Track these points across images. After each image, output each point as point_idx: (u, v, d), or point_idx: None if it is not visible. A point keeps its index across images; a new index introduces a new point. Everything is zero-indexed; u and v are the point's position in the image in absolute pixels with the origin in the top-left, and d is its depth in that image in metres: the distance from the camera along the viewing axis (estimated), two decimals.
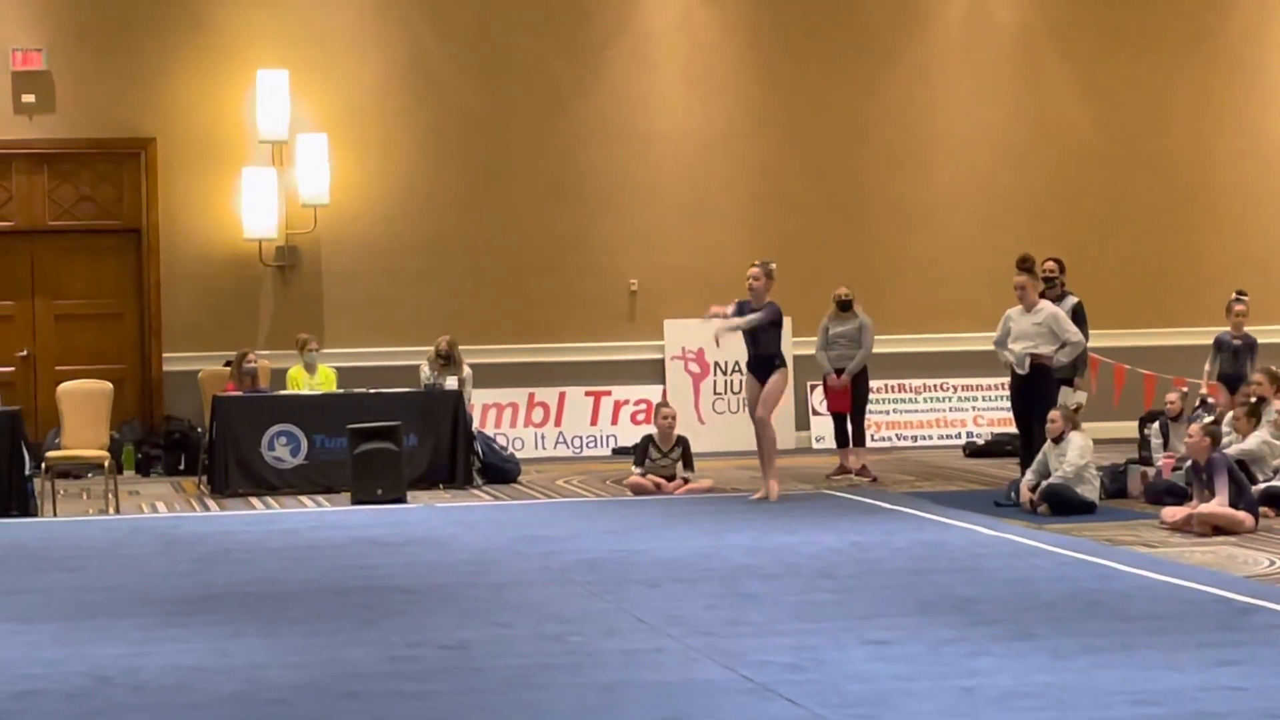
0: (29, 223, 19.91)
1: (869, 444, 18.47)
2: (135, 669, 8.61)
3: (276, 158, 19.93)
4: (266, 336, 19.75)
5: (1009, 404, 16.20)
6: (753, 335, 15.70)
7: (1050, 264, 16.41)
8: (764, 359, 15.72)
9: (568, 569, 11.60)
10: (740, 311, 15.80)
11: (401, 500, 15.97)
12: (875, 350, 17.88)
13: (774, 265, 15.89)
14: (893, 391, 20.78)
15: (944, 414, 21.15)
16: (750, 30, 21.18)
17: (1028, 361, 14.96)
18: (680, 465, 16.68)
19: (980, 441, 20.00)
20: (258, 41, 20.00)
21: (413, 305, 20.20)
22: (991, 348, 15.89)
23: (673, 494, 16.23)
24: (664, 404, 17.47)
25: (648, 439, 17.01)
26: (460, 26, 20.51)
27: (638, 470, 16.71)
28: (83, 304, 20.12)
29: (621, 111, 20.84)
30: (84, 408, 17.60)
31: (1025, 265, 15.53)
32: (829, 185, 21.17)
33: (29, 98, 19.71)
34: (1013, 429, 16.74)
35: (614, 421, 20.42)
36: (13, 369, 19.08)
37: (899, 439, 20.92)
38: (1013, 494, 14.65)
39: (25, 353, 19.66)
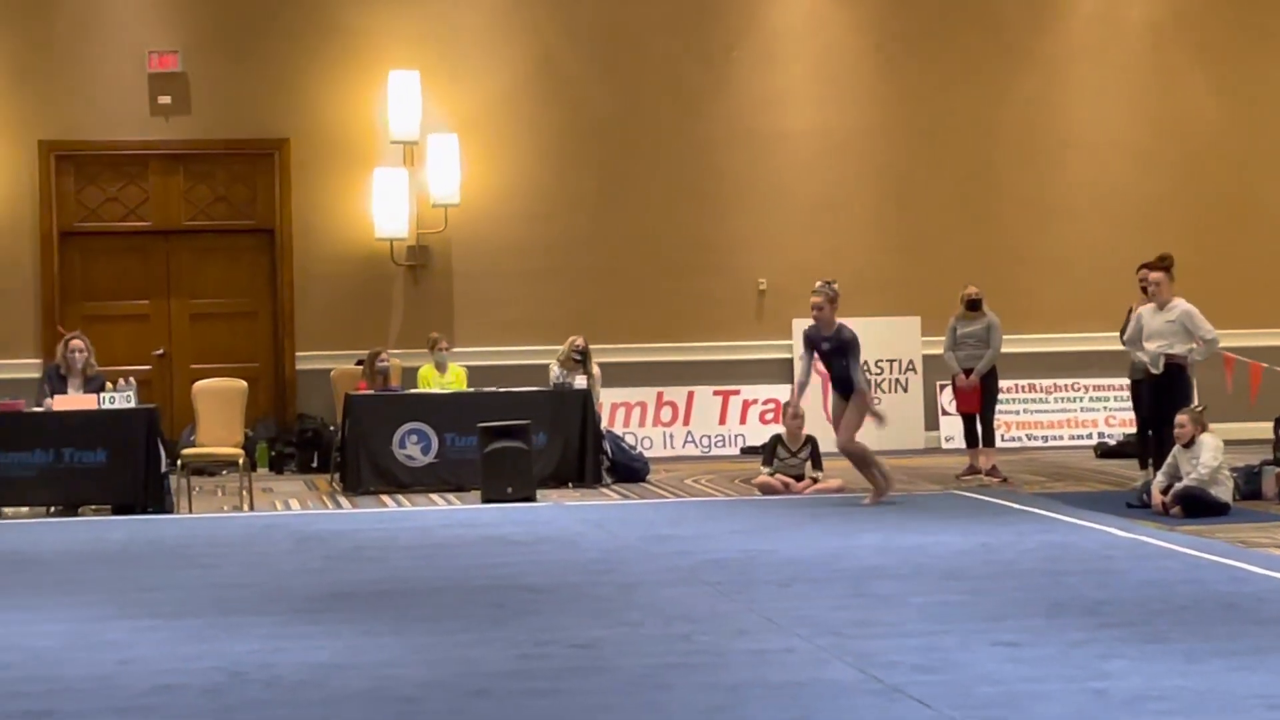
0: (165, 223, 20.14)
1: (999, 444, 18.35)
2: (269, 665, 8.68)
3: (408, 158, 20.05)
4: (397, 335, 19.87)
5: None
6: (827, 361, 15.33)
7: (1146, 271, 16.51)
8: (841, 383, 15.35)
9: (696, 568, 11.59)
10: (810, 342, 15.42)
11: (531, 499, 16.02)
12: (1004, 350, 17.77)
13: (836, 285, 15.33)
14: (1023, 391, 20.64)
15: (1075, 414, 20.99)
16: (879, 29, 21.10)
17: (1162, 361, 14.83)
18: (809, 465, 16.65)
19: (1112, 442, 19.83)
20: (389, 43, 20.13)
21: (542, 304, 20.26)
22: (1122, 347, 15.76)
23: (801, 494, 16.20)
24: (793, 403, 17.40)
25: (776, 439, 16.98)
26: (589, 27, 20.56)
27: (766, 470, 16.70)
28: (217, 303, 20.32)
29: (750, 111, 20.82)
30: (219, 406, 17.79)
31: (1163, 263, 15.40)
32: (958, 184, 21.06)
33: (165, 99, 19.92)
34: None
35: (742, 421, 20.40)
36: (149, 367, 19.30)
37: (1029, 439, 20.78)
38: (1144, 496, 14.50)
39: (161, 351, 19.88)
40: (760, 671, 8.33)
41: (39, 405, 16.35)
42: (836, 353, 15.06)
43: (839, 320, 15.16)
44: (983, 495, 15.85)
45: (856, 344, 15.11)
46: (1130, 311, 16.03)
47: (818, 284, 15.27)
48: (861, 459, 15.33)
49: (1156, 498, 14.05)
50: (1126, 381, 17.04)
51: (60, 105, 19.79)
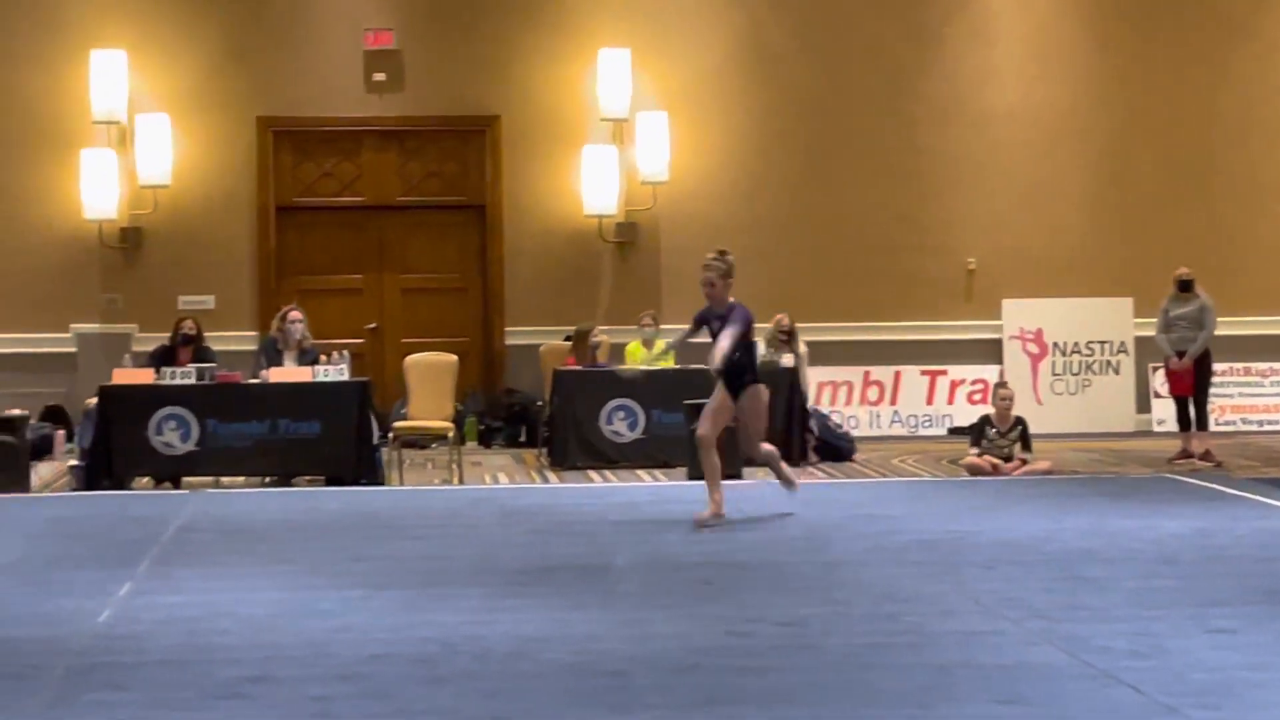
0: (378, 198, 20.37)
1: (1212, 428, 18.07)
2: (478, 636, 8.76)
3: (617, 135, 20.11)
4: (605, 311, 19.91)
5: None
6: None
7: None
8: (733, 372, 12.84)
9: (903, 548, 11.53)
10: (699, 321, 13.15)
11: (737, 476, 15.99)
12: (1219, 332, 17.51)
13: (731, 256, 13.10)
14: (1237, 374, 20.30)
15: None
16: (1091, 4, 20.82)
17: None
18: (1018, 446, 16.50)
19: None
20: (600, 20, 20.19)
21: (748, 283, 20.04)
22: None
23: (1010, 475, 16.06)
24: (1002, 384, 17.31)
25: (985, 419, 16.86)
26: (798, 5, 20.50)
27: (974, 451, 16.58)
28: (428, 278, 20.50)
29: (960, 90, 20.65)
30: (430, 380, 17.99)
31: None
32: (1172, 164, 20.75)
33: (380, 76, 20.14)
34: None
35: (950, 401, 20.25)
36: (362, 340, 19.53)
37: (1244, 423, 20.43)
38: None
39: (374, 325, 20.10)
40: (968, 653, 8.28)
41: (255, 377, 16.60)
42: (741, 336, 12.69)
43: (732, 299, 12.92)
44: (1195, 479, 15.60)
45: (750, 324, 12.87)
46: None
47: (708, 256, 13.13)
48: (715, 468, 12.98)
49: None
50: None
51: (278, 82, 20.07)
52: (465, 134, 20.41)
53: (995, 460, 16.32)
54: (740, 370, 12.77)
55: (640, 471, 16.83)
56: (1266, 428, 20.34)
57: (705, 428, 12.95)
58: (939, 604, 9.54)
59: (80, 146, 19.64)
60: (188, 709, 7.36)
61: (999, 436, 16.55)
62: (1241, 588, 9.92)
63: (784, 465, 13.60)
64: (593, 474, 16.78)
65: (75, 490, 15.78)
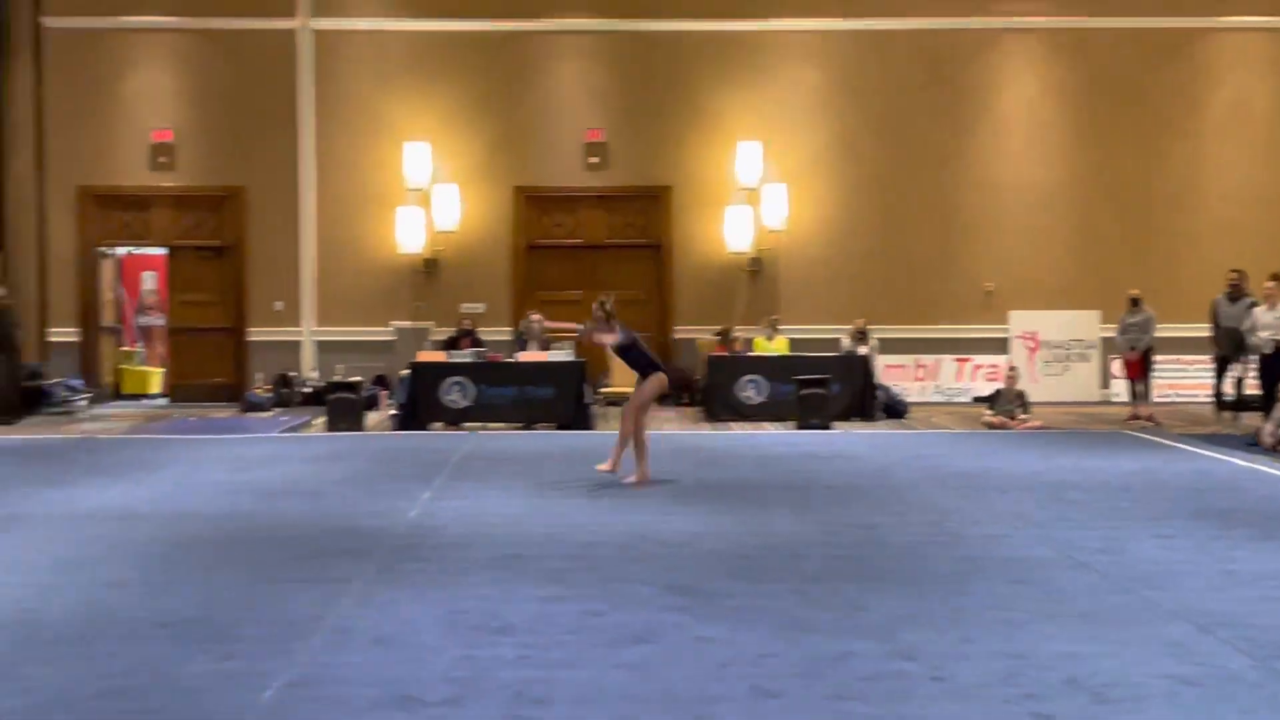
0: (591, 240, 20.39)
1: (1153, 399, 17.67)
2: (658, 530, 8.78)
3: (751, 199, 20.01)
4: (741, 316, 19.83)
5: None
6: (628, 362, 11.93)
7: (1234, 274, 16.47)
8: (638, 365, 11.83)
9: (943, 478, 11.41)
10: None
11: (828, 427, 15.92)
12: (1159, 334, 17.16)
13: (610, 304, 11.86)
14: (1172, 363, 19.60)
15: (1207, 380, 20.11)
16: (1073, 112, 20.42)
17: (1273, 344, 14.18)
18: (1020, 410, 16.25)
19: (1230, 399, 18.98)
20: (740, 120, 20.08)
21: (837, 298, 20.07)
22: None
23: (1015, 430, 15.82)
24: (1012, 368, 17.06)
25: (998, 391, 16.62)
26: (875, 110, 20.27)
27: (990, 412, 16.35)
28: (623, 293, 20.30)
29: (983, 167, 20.32)
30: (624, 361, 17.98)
31: (1277, 277, 15.07)
32: (1126, 219, 20.20)
33: (594, 159, 20.18)
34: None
35: (973, 379, 19.94)
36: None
37: (1177, 396, 19.89)
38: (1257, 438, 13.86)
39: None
40: (989, 549, 8.19)
41: (511, 357, 16.73)
42: (625, 354, 11.83)
43: (618, 326, 11.73)
44: (1143, 434, 15.28)
45: (632, 339, 11.80)
46: (1215, 304, 16.48)
47: (594, 306, 11.94)
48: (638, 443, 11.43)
49: (1267, 440, 13.41)
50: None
51: (528, 162, 20.17)
52: (649, 198, 20.37)
53: (1005, 419, 16.08)
54: (641, 363, 11.63)
55: (765, 424, 16.78)
56: (1192, 399, 19.82)
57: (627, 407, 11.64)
58: (969, 516, 9.44)
59: (397, 205, 19.85)
60: (469, 574, 7.44)
61: (1007, 403, 16.32)
62: (1176, 509, 9.73)
63: (622, 451, 11.39)
64: (733, 425, 16.75)
65: (393, 430, 15.99)
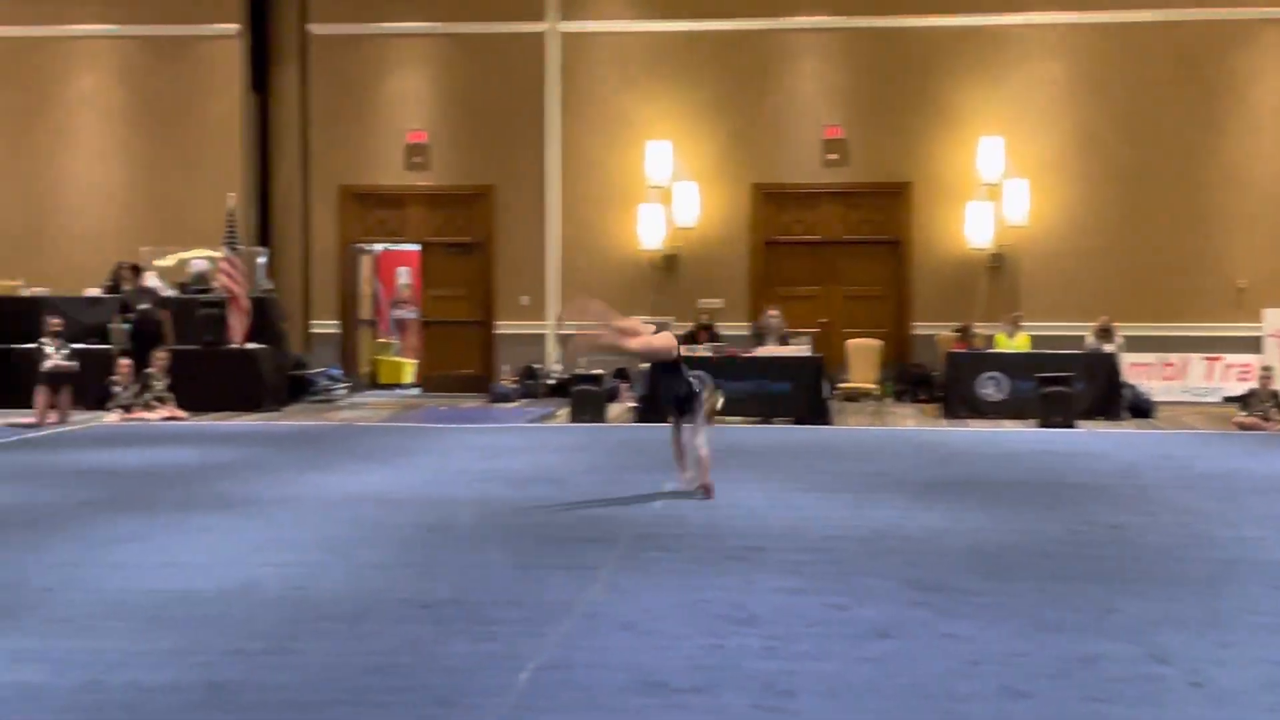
0: (829, 236, 20.24)
1: None
2: (900, 527, 8.68)
3: (992, 195, 19.59)
4: (982, 312, 19.44)
5: None
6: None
7: None
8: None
9: (1194, 478, 11.00)
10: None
11: (1072, 425, 15.49)
12: None
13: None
14: None
15: None
16: None
17: None
18: (1276, 410, 15.55)
19: None
20: (981, 116, 19.69)
21: (1081, 294, 19.51)
22: None
23: (1270, 431, 15.14)
24: (1266, 367, 16.31)
25: (1252, 391, 15.94)
26: (1120, 105, 19.63)
27: (1244, 413, 15.68)
28: (860, 289, 20.28)
29: (1235, 163, 19.49)
30: (862, 356, 17.91)
31: None
32: None
33: (833, 156, 20.00)
34: None
35: (1223, 379, 19.16)
36: (817, 330, 19.39)
37: None
38: None
39: (825, 320, 20.01)
40: (1245, 552, 7.87)
41: (748, 352, 16.73)
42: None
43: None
44: None
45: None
46: None
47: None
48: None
49: None
50: None
51: (765, 160, 20.13)
52: (888, 194, 20.12)
53: (1259, 420, 15.41)
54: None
55: (1004, 421, 16.42)
56: None
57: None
58: (1222, 517, 9.08)
59: (638, 203, 20.03)
60: (712, 565, 7.47)
61: (1261, 403, 15.63)
62: None
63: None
64: (971, 422, 16.43)
65: (634, 422, 16.15)
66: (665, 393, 10.10)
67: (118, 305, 17.89)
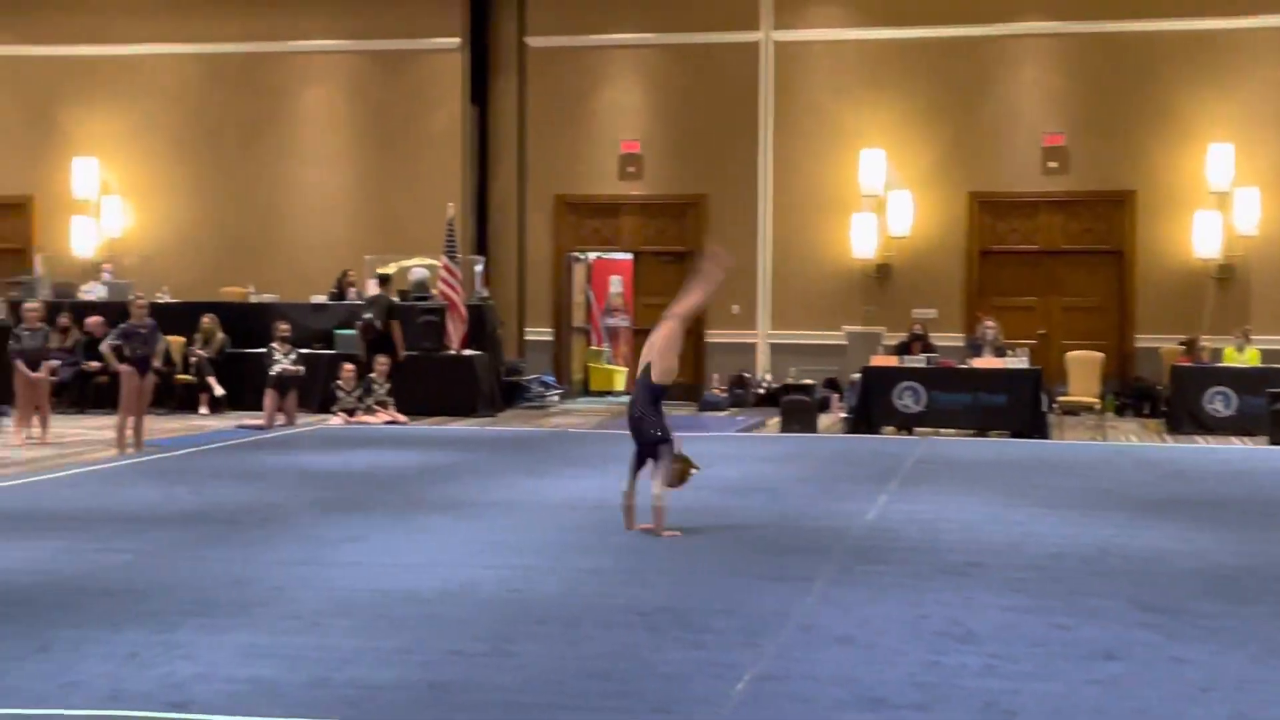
0: (1047, 245, 19.80)
1: None
2: (1123, 544, 8.42)
3: (1221, 204, 18.91)
4: (1209, 325, 18.75)
5: None
6: None
7: None
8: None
9: None
10: None
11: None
12: None
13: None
14: None
15: None
16: None
17: None
18: None
19: None
20: (1209, 123, 19.01)
21: None
22: None
23: None
24: None
25: None
26: None
27: None
28: (1079, 300, 19.78)
29: None
30: (1082, 369, 17.46)
31: None
32: None
33: (1053, 164, 19.58)
34: None
35: None
36: (1034, 341, 18.94)
37: None
38: None
39: (1043, 331, 19.56)
40: None
41: (964, 363, 16.45)
42: None
43: None
44: None
45: None
46: None
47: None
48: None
49: None
50: None
51: (981, 168, 19.76)
52: (1110, 203, 19.55)
53: None
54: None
55: (1232, 438, 15.80)
56: None
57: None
58: None
59: (851, 211, 19.86)
60: (929, 579, 7.35)
61: None
62: None
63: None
64: (1198, 438, 15.86)
65: (845, 433, 16.01)
66: (630, 408, 8.67)
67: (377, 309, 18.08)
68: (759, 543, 8.38)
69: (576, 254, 21.38)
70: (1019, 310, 19.63)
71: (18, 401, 14.74)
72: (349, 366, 17.00)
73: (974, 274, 19.82)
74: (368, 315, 17.69)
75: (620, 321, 22.75)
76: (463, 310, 18.08)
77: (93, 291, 19.56)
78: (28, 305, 15.50)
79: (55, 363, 16.00)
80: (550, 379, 20.13)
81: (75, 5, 21.41)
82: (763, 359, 20.20)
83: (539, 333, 20.96)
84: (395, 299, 18.36)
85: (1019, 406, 15.77)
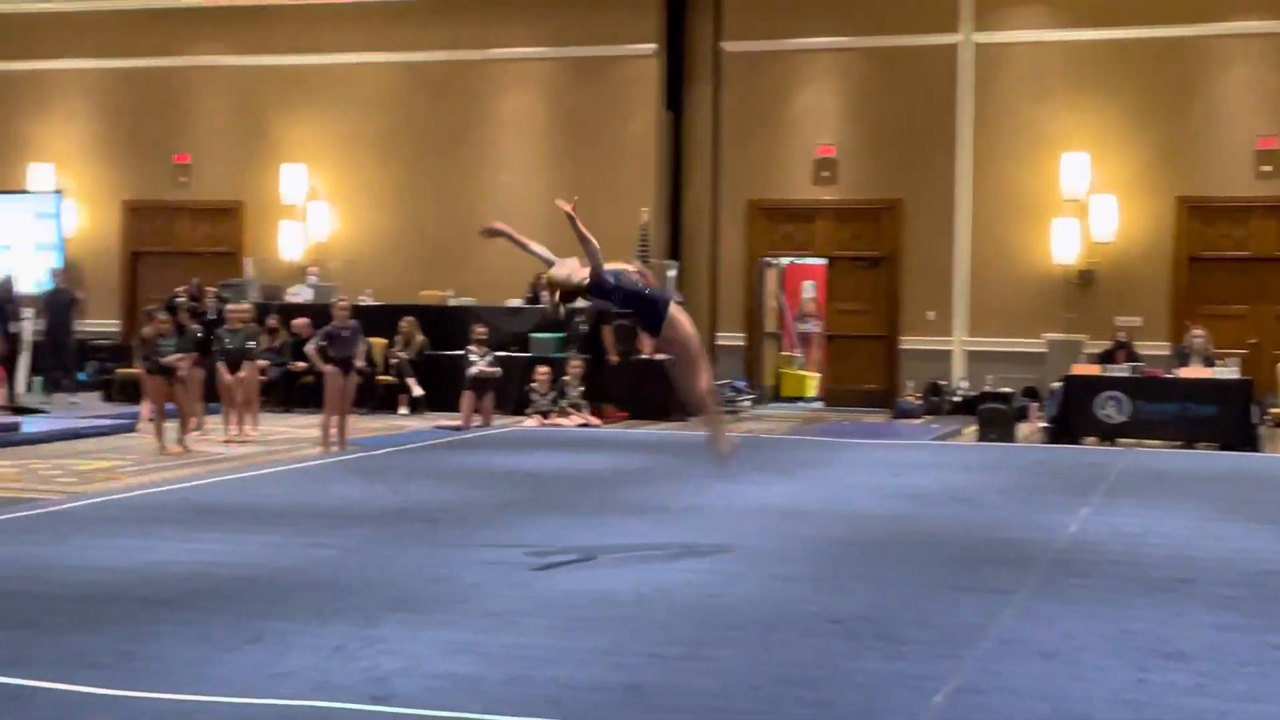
0: (1260, 253, 19.13)
1: None
2: None
3: None
4: None
5: None
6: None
7: None
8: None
9: None
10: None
11: None
12: None
13: None
14: None
15: None
16: None
17: None
18: None
19: None
20: None
21: None
22: None
23: None
24: None
25: None
26: None
27: None
28: None
29: None
30: None
31: None
32: None
33: (1266, 168, 18.89)
34: None
35: None
36: (1245, 352, 18.29)
37: None
38: None
39: (1254, 340, 18.87)
40: None
41: (1170, 373, 15.98)
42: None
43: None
44: None
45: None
46: None
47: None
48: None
49: None
50: None
51: (1191, 172, 19.16)
52: None
53: None
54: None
55: None
56: None
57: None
58: None
59: (1051, 216, 19.44)
60: (1134, 595, 7.14)
61: None
62: None
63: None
64: None
65: (1044, 443, 15.67)
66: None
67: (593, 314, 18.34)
68: (956, 553, 8.25)
69: (769, 259, 21.34)
70: (1229, 318, 18.97)
71: (223, 401, 15.30)
72: (543, 369, 17.24)
73: (1181, 281, 19.22)
74: (579, 320, 18.02)
75: (812, 327, 22.62)
76: None
77: (299, 294, 20.21)
78: (231, 307, 16.07)
79: (263, 362, 16.56)
80: (742, 384, 20.12)
81: (285, 16, 22.14)
82: (958, 366, 19.89)
83: (731, 338, 20.97)
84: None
85: (1228, 418, 15.25)
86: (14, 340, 18.89)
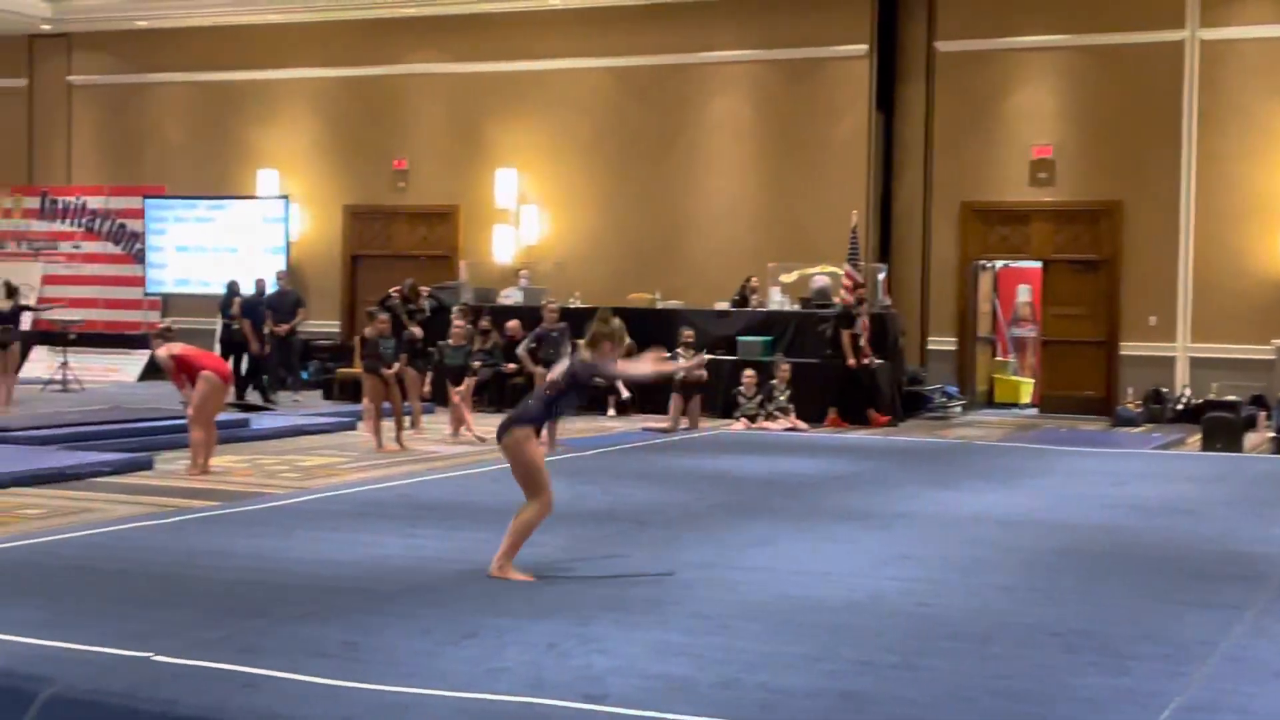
0: None
1: None
2: None
3: None
4: None
5: None
6: None
7: None
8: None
9: None
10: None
11: None
12: None
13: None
14: None
15: None
16: None
17: None
18: None
19: None
20: None
21: None
22: None
23: None
24: None
25: None
26: None
27: None
28: None
29: None
30: None
31: None
32: None
33: None
34: None
35: None
36: None
37: None
38: None
39: None
40: None
41: None
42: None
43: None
44: None
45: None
46: None
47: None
48: None
49: None
50: None
51: None
52: None
53: None
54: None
55: None
56: None
57: None
58: None
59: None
60: None
61: None
62: None
63: None
64: None
65: (1273, 453, 15.05)
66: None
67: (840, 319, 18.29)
68: (1181, 567, 7.98)
69: (983, 262, 20.96)
70: None
71: (450, 412, 15.68)
72: (750, 373, 17.22)
73: None
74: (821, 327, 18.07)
75: (1027, 331, 22.15)
76: (865, 319, 18.06)
77: (510, 296, 20.57)
78: (457, 325, 16.27)
79: (477, 363, 16.90)
80: (953, 389, 19.81)
81: (499, 24, 22.56)
82: (1181, 373, 19.24)
83: (942, 342, 20.65)
84: (793, 305, 18.52)
85: None
86: (275, 341, 19.88)
